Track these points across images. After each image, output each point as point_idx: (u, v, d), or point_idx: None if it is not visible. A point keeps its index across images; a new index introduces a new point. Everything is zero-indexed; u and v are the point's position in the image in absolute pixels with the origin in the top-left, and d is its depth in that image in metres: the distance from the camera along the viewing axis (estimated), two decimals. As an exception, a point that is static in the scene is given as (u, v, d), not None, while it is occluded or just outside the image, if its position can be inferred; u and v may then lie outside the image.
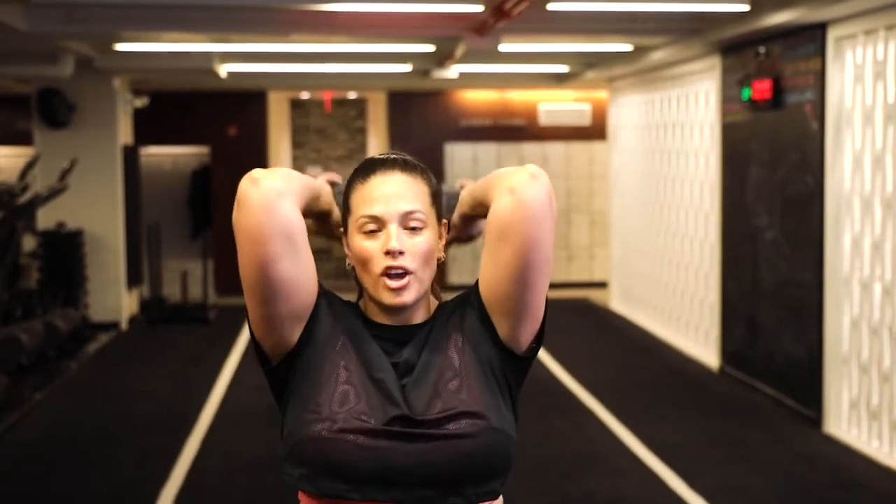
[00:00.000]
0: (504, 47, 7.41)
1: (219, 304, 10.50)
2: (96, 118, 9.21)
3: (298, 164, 13.32)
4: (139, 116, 10.24)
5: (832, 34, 5.75)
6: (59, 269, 8.77)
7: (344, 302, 1.73)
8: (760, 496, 4.88)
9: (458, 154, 11.74)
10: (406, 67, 9.22)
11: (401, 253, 1.62)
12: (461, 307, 1.70)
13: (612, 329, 9.44)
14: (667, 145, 8.70)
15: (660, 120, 8.88)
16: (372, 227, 1.64)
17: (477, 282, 1.69)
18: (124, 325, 9.42)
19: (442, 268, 1.75)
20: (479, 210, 1.72)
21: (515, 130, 11.80)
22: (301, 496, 1.63)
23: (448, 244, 1.79)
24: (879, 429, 5.43)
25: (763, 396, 6.61)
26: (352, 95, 12.83)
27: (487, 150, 11.77)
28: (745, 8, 6.02)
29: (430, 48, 7.98)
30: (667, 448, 5.53)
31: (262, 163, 10.99)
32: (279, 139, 12.59)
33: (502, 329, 1.65)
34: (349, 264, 1.70)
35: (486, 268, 1.64)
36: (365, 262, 1.65)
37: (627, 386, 7.12)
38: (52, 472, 5.28)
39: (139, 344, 8.85)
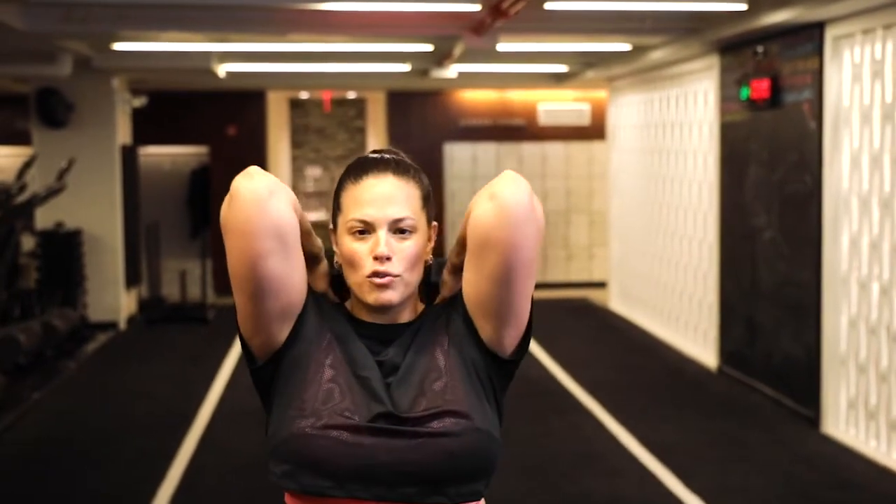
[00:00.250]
0: (502, 47, 7.40)
1: (217, 303, 10.49)
2: (95, 118, 9.20)
3: (298, 164, 13.33)
4: (138, 116, 10.23)
5: (830, 33, 5.75)
6: (57, 269, 8.77)
7: (331, 302, 1.73)
8: (759, 496, 4.88)
9: (457, 154, 11.73)
10: (405, 67, 9.22)
11: (388, 259, 1.63)
12: (448, 310, 1.71)
13: (610, 329, 9.44)
14: (666, 145, 8.69)
15: (658, 119, 8.88)
16: (361, 229, 1.65)
17: (461, 287, 1.69)
18: (123, 325, 9.42)
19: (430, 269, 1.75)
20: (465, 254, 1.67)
21: (515, 130, 11.79)
22: (286, 495, 1.63)
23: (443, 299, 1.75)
24: (877, 428, 5.43)
25: (761, 396, 6.61)
26: (351, 95, 12.83)
27: (487, 149, 11.76)
28: (743, 7, 6.02)
29: (428, 48, 7.98)
30: (665, 448, 5.53)
31: (262, 163, 10.99)
32: (278, 139, 12.59)
33: (485, 332, 1.65)
34: (337, 262, 1.71)
35: (469, 272, 1.63)
36: (353, 263, 1.65)
37: (626, 386, 7.12)
38: (51, 471, 5.28)
39: (137, 344, 8.85)
